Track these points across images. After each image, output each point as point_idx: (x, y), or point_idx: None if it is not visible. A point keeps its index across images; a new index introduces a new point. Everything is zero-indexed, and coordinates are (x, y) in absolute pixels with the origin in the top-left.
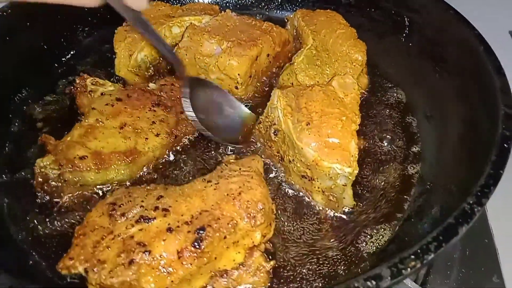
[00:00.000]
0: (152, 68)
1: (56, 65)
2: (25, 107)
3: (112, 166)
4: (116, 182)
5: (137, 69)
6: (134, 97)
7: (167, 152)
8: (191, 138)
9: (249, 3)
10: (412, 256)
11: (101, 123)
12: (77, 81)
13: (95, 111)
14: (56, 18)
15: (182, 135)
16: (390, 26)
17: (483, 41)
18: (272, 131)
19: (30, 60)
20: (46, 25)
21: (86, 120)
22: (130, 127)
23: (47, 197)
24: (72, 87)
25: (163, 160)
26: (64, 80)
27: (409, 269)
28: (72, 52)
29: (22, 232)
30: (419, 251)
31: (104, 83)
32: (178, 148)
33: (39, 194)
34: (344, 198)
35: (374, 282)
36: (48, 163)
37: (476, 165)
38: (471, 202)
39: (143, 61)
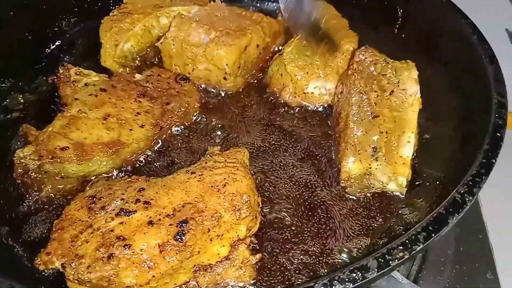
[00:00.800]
0: (138, 58)
1: (40, 56)
2: (7, 98)
3: (95, 158)
4: (98, 174)
5: (123, 60)
6: (119, 87)
7: (151, 144)
8: (177, 129)
9: None
10: (400, 247)
11: (84, 113)
12: (61, 71)
13: (78, 102)
14: (41, 9)
15: (167, 126)
16: (383, 17)
17: (476, 30)
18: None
19: (14, 50)
20: (30, 16)
21: (69, 111)
22: (114, 118)
23: (27, 190)
24: (55, 77)
25: (147, 152)
26: (47, 71)
27: (396, 260)
28: (57, 43)
29: (3, 227)
30: (407, 241)
31: (89, 73)
32: (163, 139)
33: (19, 186)
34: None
35: (360, 274)
36: (28, 153)
37: (469, 156)
38: (462, 191)
39: (129, 51)
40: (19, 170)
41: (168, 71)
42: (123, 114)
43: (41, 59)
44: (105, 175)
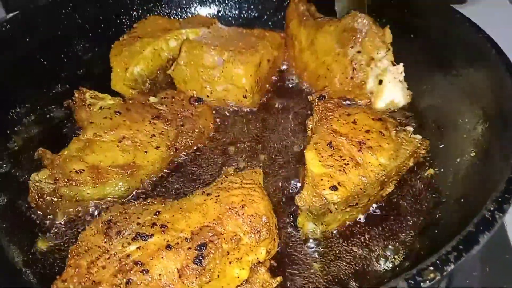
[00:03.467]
0: (148, 81)
1: (55, 80)
2: (22, 122)
3: (110, 181)
4: (114, 197)
5: (133, 83)
6: (134, 110)
7: (167, 165)
8: (191, 151)
9: (251, 16)
10: (431, 268)
11: (99, 136)
12: (76, 95)
13: (93, 125)
14: (55, 34)
15: (182, 148)
16: (396, 33)
17: (494, 44)
18: None
19: (28, 75)
20: (44, 40)
21: (84, 134)
22: (129, 140)
23: (41, 215)
24: (70, 101)
25: (162, 174)
26: (62, 95)
27: (427, 282)
28: (70, 68)
29: (16, 251)
30: (438, 262)
31: (104, 96)
32: (178, 161)
33: (34, 211)
34: None
35: None
36: (43, 177)
37: (493, 171)
38: (491, 208)
39: (139, 74)
40: (34, 193)
41: (182, 93)
42: (138, 136)
43: (55, 83)
44: (122, 198)
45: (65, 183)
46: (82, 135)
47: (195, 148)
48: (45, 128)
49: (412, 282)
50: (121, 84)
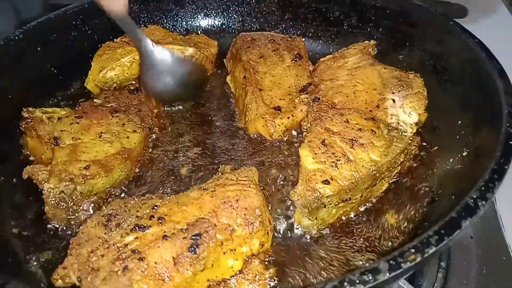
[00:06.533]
0: (116, 86)
1: (64, 91)
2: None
3: (115, 167)
4: (121, 180)
5: (103, 85)
6: (90, 112)
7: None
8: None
9: (255, 28)
10: (412, 250)
11: (78, 139)
12: (26, 115)
13: (65, 132)
14: (67, 45)
15: (152, 126)
16: (392, 43)
17: (484, 48)
18: None
19: (40, 85)
20: (56, 52)
21: (64, 142)
22: (107, 134)
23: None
24: (24, 121)
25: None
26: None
27: (408, 263)
28: (81, 79)
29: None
30: (419, 244)
31: (53, 110)
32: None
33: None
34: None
35: (371, 276)
36: (56, 183)
37: (483, 168)
38: (474, 196)
39: (111, 79)
40: (53, 201)
41: (119, 89)
42: (112, 128)
43: (65, 96)
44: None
45: (81, 180)
46: (61, 143)
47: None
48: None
49: (394, 262)
50: (92, 84)
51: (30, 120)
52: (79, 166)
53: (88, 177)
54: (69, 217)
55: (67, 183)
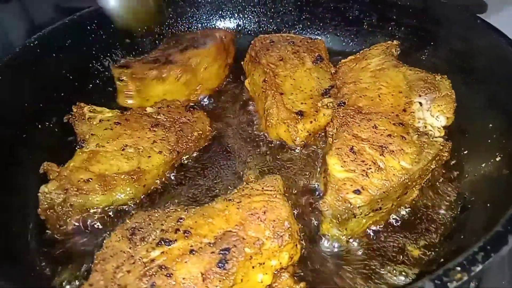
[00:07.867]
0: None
1: (79, 95)
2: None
3: (118, 187)
4: (122, 202)
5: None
6: (133, 120)
7: (170, 168)
8: (192, 154)
9: (271, 29)
10: (458, 268)
11: (102, 147)
12: (74, 110)
13: (94, 137)
14: (81, 50)
15: (183, 151)
16: (414, 42)
17: None
18: None
19: (55, 90)
20: (71, 57)
21: (88, 146)
22: (131, 148)
23: (51, 225)
24: (70, 115)
25: (167, 179)
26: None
27: (455, 282)
28: (95, 83)
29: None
30: (465, 262)
31: (102, 110)
32: (181, 163)
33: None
34: None
35: None
36: (53, 188)
37: None
38: None
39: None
40: (45, 205)
41: (177, 101)
42: (140, 143)
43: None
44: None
45: (75, 192)
46: (85, 147)
47: (197, 150)
48: (49, 142)
49: (439, 282)
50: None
51: (75, 115)
52: (81, 177)
53: (84, 191)
54: (59, 224)
55: (59, 192)
